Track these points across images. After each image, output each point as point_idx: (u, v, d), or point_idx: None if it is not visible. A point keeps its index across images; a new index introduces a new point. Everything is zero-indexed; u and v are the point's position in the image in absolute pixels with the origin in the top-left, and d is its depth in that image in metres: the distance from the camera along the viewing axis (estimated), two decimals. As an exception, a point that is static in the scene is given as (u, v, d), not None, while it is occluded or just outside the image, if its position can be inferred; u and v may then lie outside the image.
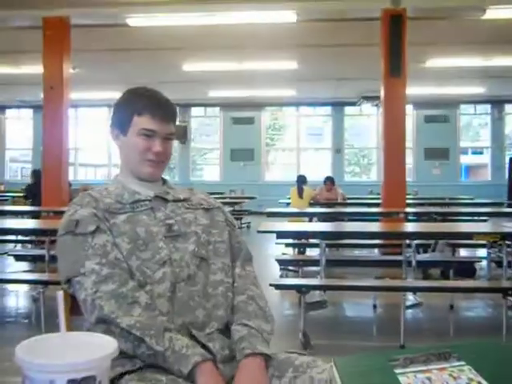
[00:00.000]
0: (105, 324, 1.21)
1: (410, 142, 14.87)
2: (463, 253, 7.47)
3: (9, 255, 6.27)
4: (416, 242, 4.74)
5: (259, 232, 4.20)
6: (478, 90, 13.48)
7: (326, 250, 4.60)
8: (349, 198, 9.56)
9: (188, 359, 1.18)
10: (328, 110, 16.34)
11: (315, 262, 5.34)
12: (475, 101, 15.47)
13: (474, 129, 17.04)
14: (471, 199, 10.45)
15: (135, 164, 1.43)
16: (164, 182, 1.52)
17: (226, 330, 1.34)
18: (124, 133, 1.43)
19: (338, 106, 15.76)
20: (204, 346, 1.25)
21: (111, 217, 1.35)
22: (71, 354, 0.58)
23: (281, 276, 5.77)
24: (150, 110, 1.39)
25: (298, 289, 3.73)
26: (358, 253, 7.44)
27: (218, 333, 1.32)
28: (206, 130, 16.31)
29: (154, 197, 1.43)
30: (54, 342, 0.61)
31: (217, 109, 16.33)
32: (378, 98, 8.80)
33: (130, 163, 1.45)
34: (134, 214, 1.37)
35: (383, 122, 7.89)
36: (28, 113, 16.48)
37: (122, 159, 1.48)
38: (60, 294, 0.64)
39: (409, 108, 14.69)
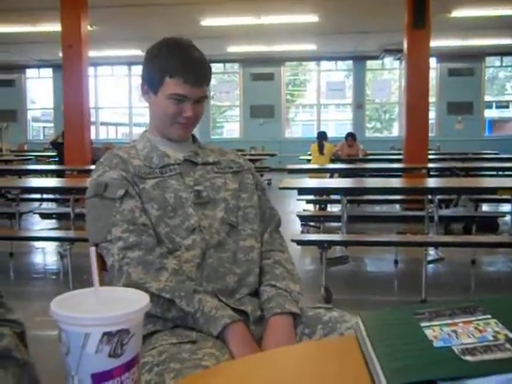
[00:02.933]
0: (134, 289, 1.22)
1: (432, 97, 14.55)
2: (486, 208, 7.40)
3: (34, 213, 6.39)
4: (438, 197, 4.69)
5: (281, 188, 4.20)
6: (505, 41, 13.00)
7: (348, 205, 4.59)
8: (370, 154, 9.49)
9: (217, 321, 1.18)
10: (349, 64, 15.99)
11: (336, 218, 5.37)
12: (502, 52, 14.95)
13: (500, 82, 16.54)
14: (495, 154, 10.26)
15: (165, 126, 1.39)
16: (194, 139, 1.48)
17: (255, 294, 1.33)
18: (154, 92, 1.37)
19: (360, 60, 15.41)
20: (235, 310, 1.25)
21: (140, 181, 1.32)
22: (105, 308, 0.60)
23: (302, 232, 5.79)
24: (183, 73, 1.32)
25: (320, 244, 3.75)
26: (379, 209, 7.44)
27: (248, 297, 1.31)
28: (226, 86, 16.13)
29: (184, 160, 1.39)
30: (88, 297, 0.62)
31: (236, 65, 16.12)
32: (400, 51, 8.60)
33: (159, 124, 1.41)
34: (163, 179, 1.34)
35: (406, 76, 7.72)
36: (48, 72, 16.44)
37: (151, 116, 1.44)
38: (92, 250, 0.65)
39: (432, 61, 14.30)
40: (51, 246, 5.48)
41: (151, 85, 1.37)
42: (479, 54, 14.69)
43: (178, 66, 1.32)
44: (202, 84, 1.36)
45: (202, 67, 1.36)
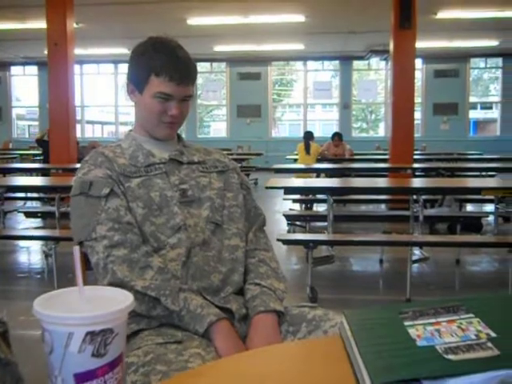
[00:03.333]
0: (118, 288, 1.21)
1: (418, 97, 14.68)
2: (470, 208, 7.47)
3: (19, 212, 6.34)
4: (423, 197, 4.73)
5: (267, 188, 4.21)
6: (489, 42, 13.15)
7: (334, 205, 4.61)
8: (356, 154, 9.52)
9: (203, 319, 1.18)
10: (336, 64, 16.06)
11: (322, 218, 5.38)
12: (486, 54, 15.12)
13: (484, 83, 16.72)
14: (479, 154, 10.37)
15: (151, 125, 1.39)
16: (179, 138, 1.48)
17: (240, 293, 1.33)
18: (140, 90, 1.37)
19: (347, 60, 15.48)
20: (220, 308, 1.25)
21: (125, 180, 1.32)
22: (88, 307, 0.59)
23: (288, 231, 5.79)
24: (168, 71, 1.32)
25: (306, 244, 3.75)
26: (365, 208, 7.48)
27: (233, 295, 1.31)
28: (213, 85, 16.11)
29: (169, 159, 1.39)
30: (72, 296, 0.62)
31: (223, 64, 16.10)
32: (386, 51, 8.63)
33: (144, 123, 1.41)
34: (149, 178, 1.35)
35: (392, 77, 7.77)
36: (33, 69, 16.32)
37: (136, 115, 1.44)
38: (76, 249, 0.65)
39: (418, 62, 14.43)
40: (36, 245, 5.43)
41: (137, 83, 1.37)
42: (464, 56, 14.85)
43: (163, 64, 1.32)
44: (187, 83, 1.35)
45: (187, 66, 1.36)
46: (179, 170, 1.40)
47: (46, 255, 4.69)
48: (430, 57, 14.43)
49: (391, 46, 7.68)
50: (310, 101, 16.28)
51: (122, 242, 1.24)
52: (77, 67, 12.41)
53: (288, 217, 5.72)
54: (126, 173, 1.34)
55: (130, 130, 1.47)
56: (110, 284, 1.20)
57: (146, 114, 1.38)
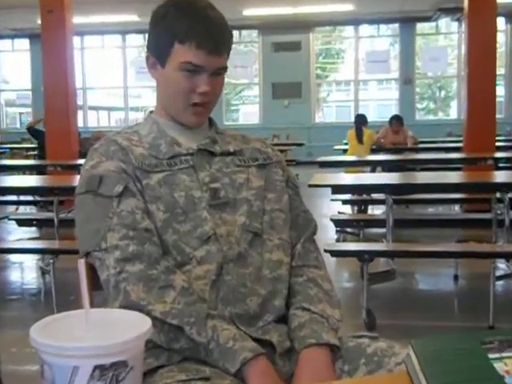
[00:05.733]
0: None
1: (501, 68, 14.38)
2: None
3: (10, 219, 6.47)
4: (510, 195, 4.64)
5: (310, 186, 4.20)
6: None
7: (394, 207, 4.56)
8: (421, 142, 9.43)
9: (236, 354, 1.16)
10: (395, 28, 15.92)
11: (380, 223, 5.35)
12: None
13: None
14: None
15: (175, 109, 1.38)
16: (210, 122, 1.47)
17: (283, 321, 1.31)
18: (162, 63, 1.35)
19: (408, 22, 15.30)
20: (258, 340, 1.23)
21: (144, 176, 1.31)
22: (96, 334, 0.60)
23: (337, 240, 5.80)
24: (196, 36, 1.30)
25: (360, 255, 3.74)
26: (433, 210, 7.40)
27: (274, 324, 1.29)
28: (242, 59, 16.14)
29: (198, 150, 1.37)
30: (77, 321, 0.63)
31: (254, 32, 16.15)
32: (459, 9, 8.50)
33: (168, 106, 1.40)
34: (172, 174, 1.33)
35: (467, 41, 7.64)
36: (24, 44, 16.55)
37: (158, 95, 1.43)
38: (81, 263, 0.66)
39: (501, 22, 14.13)
40: (30, 260, 5.53)
41: (158, 54, 1.36)
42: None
43: (189, 27, 1.31)
44: (220, 51, 1.34)
45: (220, 30, 1.34)
46: (210, 163, 1.38)
47: (43, 272, 4.77)
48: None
49: (465, 2, 7.56)
50: (362, 76, 16.18)
51: (137, 255, 1.23)
52: (77, 40, 12.64)
53: (337, 222, 5.70)
54: (145, 166, 1.32)
55: (151, 112, 1.47)
56: (123, 307, 1.17)
57: (170, 93, 1.37)
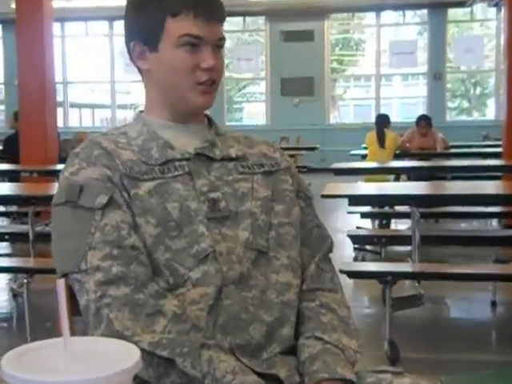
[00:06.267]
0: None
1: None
2: None
3: (-22, 233, 6.49)
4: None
5: (324, 197, 4.20)
6: None
7: (421, 221, 4.56)
8: (452, 146, 9.42)
9: None
10: (424, 15, 15.96)
11: (405, 240, 5.33)
12: None
13: None
14: None
15: (181, 92, 1.37)
16: (210, 122, 1.48)
17: (291, 352, 1.32)
18: (153, 47, 1.36)
19: (438, 8, 15.33)
20: (262, 375, 1.23)
21: (132, 184, 1.31)
22: (77, 367, 0.60)
23: (355, 259, 5.79)
24: (191, 7, 1.32)
25: (382, 277, 3.73)
26: (466, 226, 7.38)
27: (281, 356, 1.29)
28: (246, 51, 16.20)
29: (195, 154, 1.38)
30: (54, 351, 0.63)
31: (261, 19, 16.21)
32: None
33: (170, 92, 1.39)
34: (165, 182, 1.33)
35: (507, 30, 7.65)
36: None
37: (149, 90, 1.44)
38: (61, 283, 0.66)
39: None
40: (1, 280, 5.53)
41: (147, 38, 1.37)
42: None
43: None
44: (218, 19, 1.36)
45: None
46: (209, 170, 1.38)
47: (15, 294, 4.76)
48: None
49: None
50: (384, 70, 16.19)
51: (122, 277, 1.23)
52: (56, 26, 12.68)
53: (355, 238, 5.70)
54: (134, 173, 1.32)
55: (141, 111, 1.48)
56: (105, 336, 1.17)
57: (171, 77, 1.37)
